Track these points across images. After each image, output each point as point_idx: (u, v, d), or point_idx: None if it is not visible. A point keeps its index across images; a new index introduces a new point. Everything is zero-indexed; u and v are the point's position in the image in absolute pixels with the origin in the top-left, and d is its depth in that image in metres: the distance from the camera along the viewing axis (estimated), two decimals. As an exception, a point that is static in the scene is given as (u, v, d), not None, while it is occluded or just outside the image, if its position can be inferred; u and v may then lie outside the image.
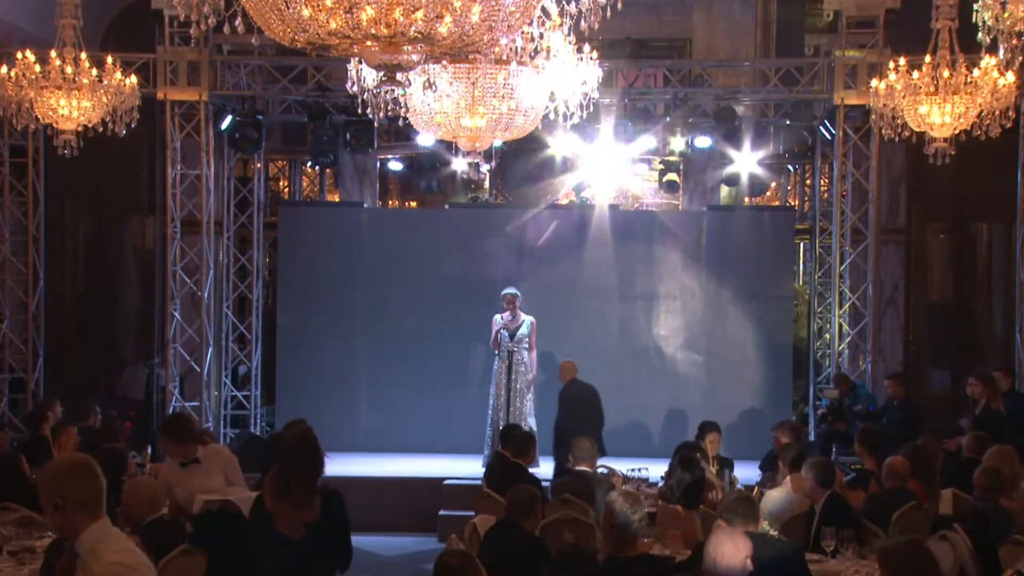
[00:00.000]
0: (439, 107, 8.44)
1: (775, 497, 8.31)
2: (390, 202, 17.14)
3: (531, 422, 12.57)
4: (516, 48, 7.85)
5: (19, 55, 10.19)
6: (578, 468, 9.12)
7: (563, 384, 12.28)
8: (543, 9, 7.48)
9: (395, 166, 16.60)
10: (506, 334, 12.75)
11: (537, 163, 15.95)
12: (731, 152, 14.36)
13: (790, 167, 16.92)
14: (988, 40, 7.85)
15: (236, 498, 7.70)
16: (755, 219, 14.30)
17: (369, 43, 5.21)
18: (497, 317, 12.89)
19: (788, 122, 14.00)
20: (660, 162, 15.09)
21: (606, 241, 14.21)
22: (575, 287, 14.06)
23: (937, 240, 16.45)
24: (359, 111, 8.84)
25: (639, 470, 9.66)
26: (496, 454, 9.97)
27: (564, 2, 7.25)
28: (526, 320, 12.82)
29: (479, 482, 9.80)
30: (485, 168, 10.13)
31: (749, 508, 6.30)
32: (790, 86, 13.39)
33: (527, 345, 12.76)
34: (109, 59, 10.46)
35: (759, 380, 13.96)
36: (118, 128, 10.60)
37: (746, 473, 10.79)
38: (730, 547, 5.24)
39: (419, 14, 5.05)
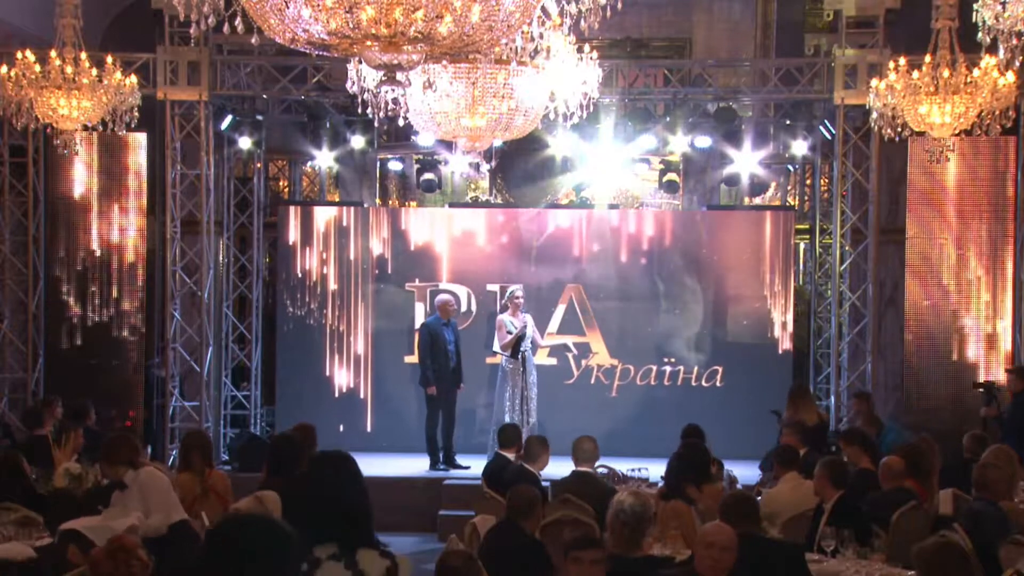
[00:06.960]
0: (439, 107, 8.45)
1: (776, 496, 8.32)
2: (390, 202, 17.12)
3: (534, 420, 12.64)
4: (516, 48, 7.85)
5: (19, 55, 10.18)
6: (579, 469, 9.12)
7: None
8: (543, 9, 7.48)
9: (395, 166, 16.58)
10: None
11: (537, 163, 15.93)
12: (731, 152, 14.35)
13: (790, 167, 16.90)
14: (988, 40, 7.84)
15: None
16: (755, 219, 14.30)
17: (369, 43, 5.21)
18: (504, 318, 12.89)
19: (788, 122, 13.99)
20: (660, 162, 15.07)
21: (606, 241, 14.21)
22: (575, 287, 14.04)
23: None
24: (359, 111, 8.83)
25: (639, 470, 9.66)
26: (496, 454, 9.97)
27: (564, 2, 7.25)
28: (528, 319, 12.90)
29: (479, 482, 9.81)
30: (485, 168, 10.12)
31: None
32: (790, 86, 13.39)
33: (531, 343, 12.87)
34: (109, 59, 10.45)
35: (759, 380, 13.95)
36: (118, 128, 10.60)
37: (746, 473, 10.80)
38: None
39: (419, 14, 5.05)
